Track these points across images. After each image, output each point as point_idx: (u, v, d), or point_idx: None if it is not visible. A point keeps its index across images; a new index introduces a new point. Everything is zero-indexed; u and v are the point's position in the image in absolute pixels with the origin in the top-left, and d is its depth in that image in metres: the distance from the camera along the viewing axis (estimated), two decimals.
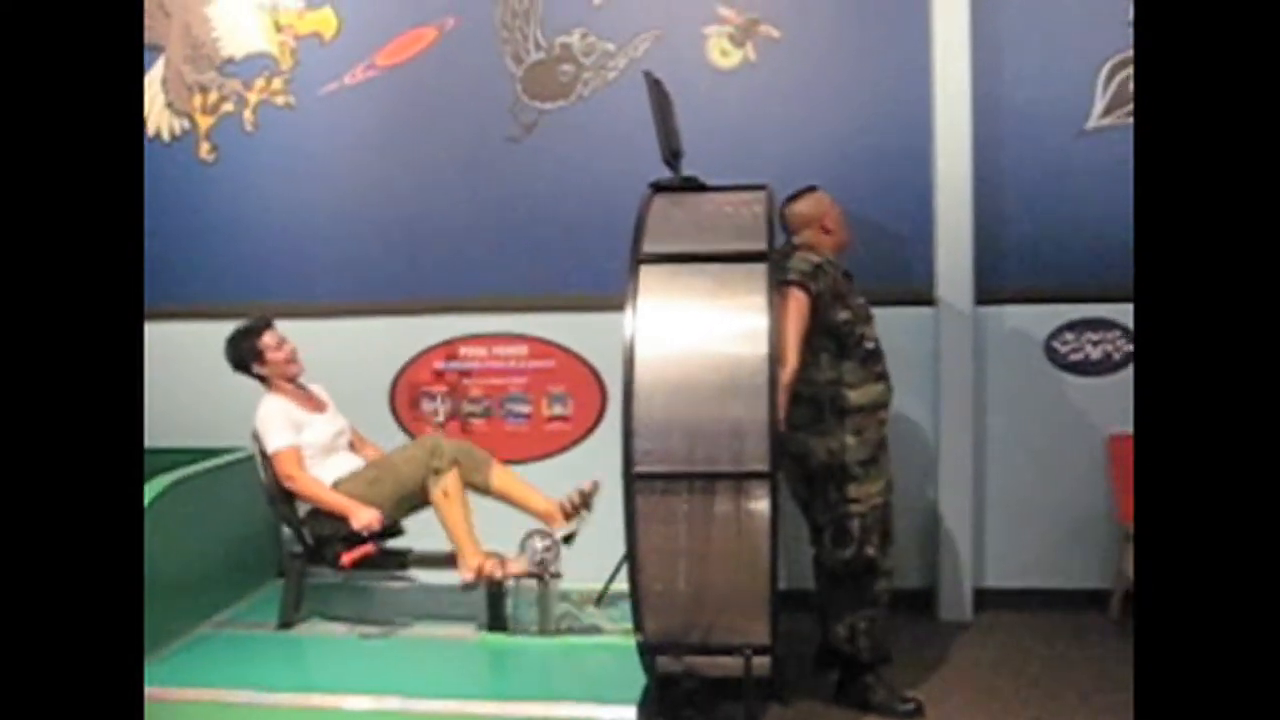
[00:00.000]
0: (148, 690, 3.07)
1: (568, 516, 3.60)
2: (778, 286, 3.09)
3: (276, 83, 4.50)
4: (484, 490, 3.72)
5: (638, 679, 3.09)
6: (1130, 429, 3.95)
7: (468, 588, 3.60)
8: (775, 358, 2.95)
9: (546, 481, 4.14)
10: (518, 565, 3.59)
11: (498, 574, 3.58)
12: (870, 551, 3.29)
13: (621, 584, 3.19)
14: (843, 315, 3.27)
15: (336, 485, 3.64)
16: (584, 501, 3.61)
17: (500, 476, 3.75)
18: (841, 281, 3.35)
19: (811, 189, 3.50)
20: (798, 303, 3.17)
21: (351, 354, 4.40)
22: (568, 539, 3.57)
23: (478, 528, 3.64)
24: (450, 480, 3.60)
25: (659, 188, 3.40)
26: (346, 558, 3.52)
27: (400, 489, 3.63)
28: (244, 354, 3.75)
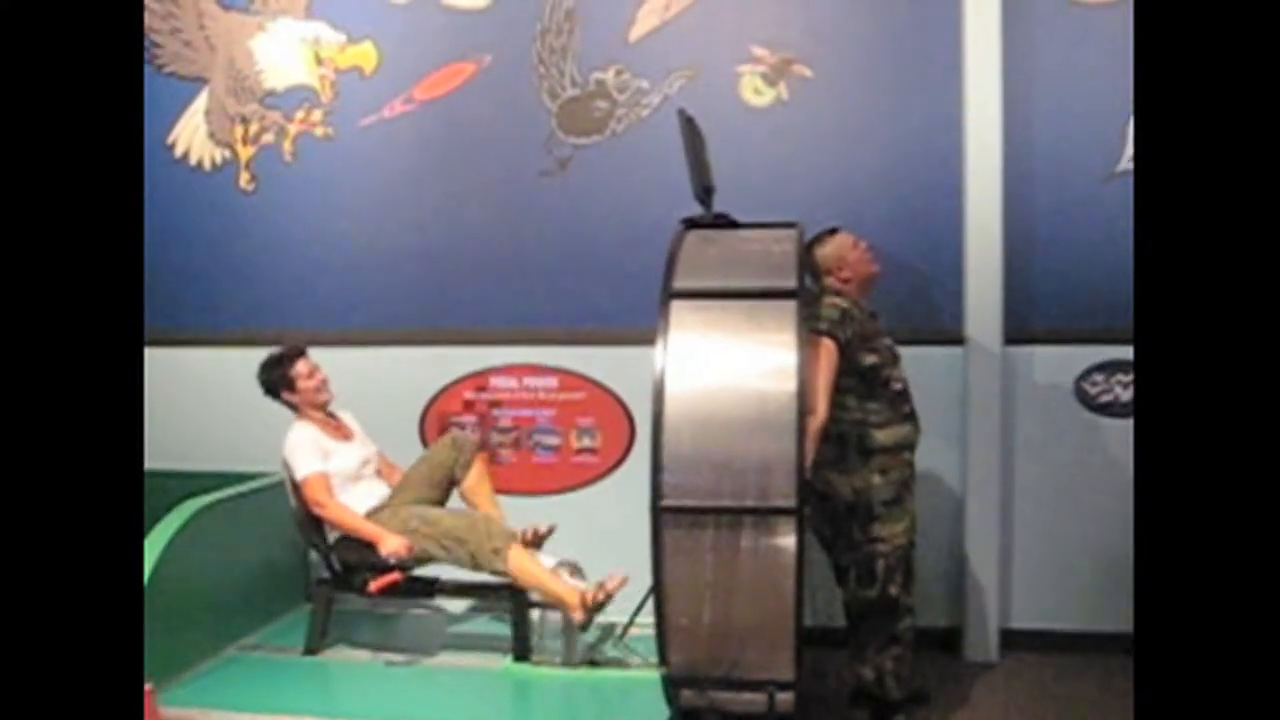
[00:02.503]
0: (173, 711, 3.12)
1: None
2: (808, 336, 3.09)
3: (316, 115, 4.58)
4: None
5: (661, 713, 3.08)
6: None
7: (585, 627, 3.41)
8: (805, 405, 2.94)
9: (574, 513, 4.16)
10: (613, 582, 3.38)
11: (601, 597, 3.35)
12: (893, 591, 3.29)
13: (647, 617, 3.20)
14: (869, 360, 3.29)
15: (369, 517, 3.64)
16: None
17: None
18: (868, 324, 3.36)
19: (832, 231, 3.51)
20: (828, 353, 3.19)
21: (383, 383, 4.45)
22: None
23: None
24: (513, 554, 3.45)
25: (691, 224, 3.44)
26: (374, 585, 3.54)
27: (443, 544, 3.53)
28: (275, 381, 3.81)
